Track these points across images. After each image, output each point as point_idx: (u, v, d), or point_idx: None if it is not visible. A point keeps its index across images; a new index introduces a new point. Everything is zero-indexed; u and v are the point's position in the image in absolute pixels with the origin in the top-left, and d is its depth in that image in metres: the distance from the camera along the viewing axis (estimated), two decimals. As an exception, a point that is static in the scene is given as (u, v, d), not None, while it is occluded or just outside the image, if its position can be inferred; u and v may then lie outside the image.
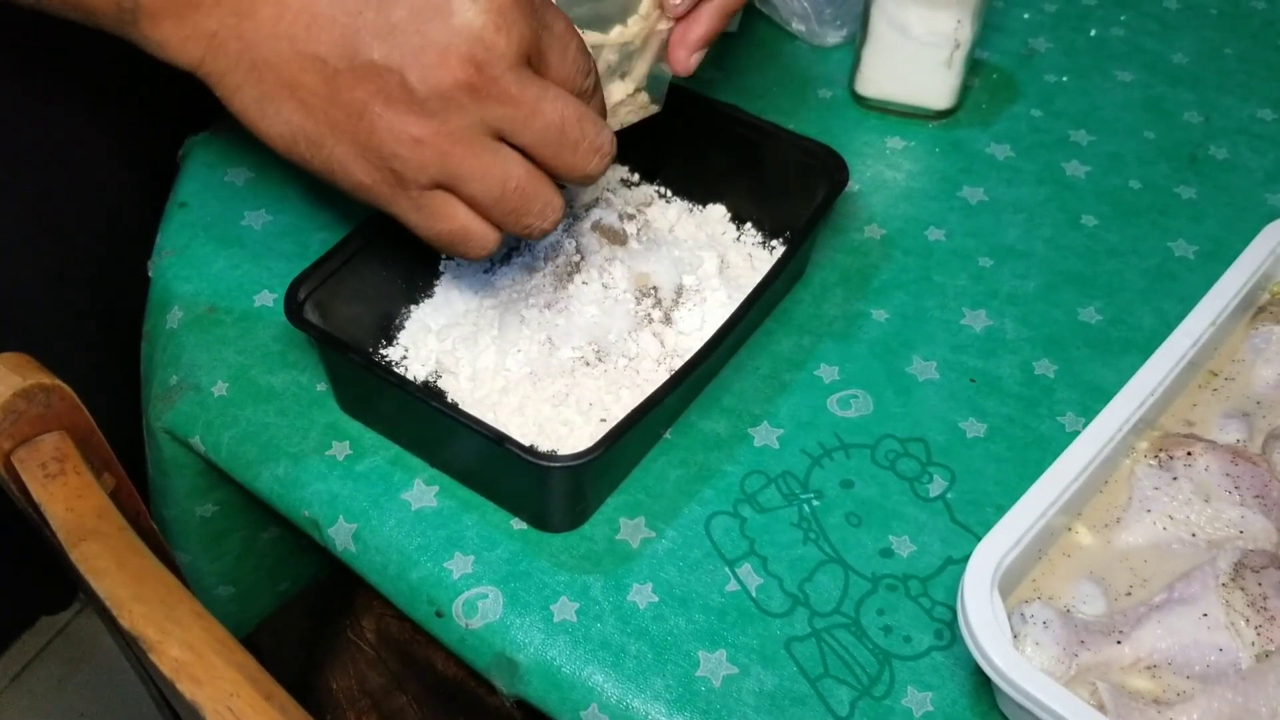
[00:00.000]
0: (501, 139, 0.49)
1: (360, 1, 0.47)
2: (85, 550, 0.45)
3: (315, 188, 0.71)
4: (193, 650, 0.40)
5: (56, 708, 1.33)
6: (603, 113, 0.54)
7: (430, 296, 0.64)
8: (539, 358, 0.59)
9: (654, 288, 0.61)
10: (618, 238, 0.62)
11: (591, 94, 0.52)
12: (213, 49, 0.50)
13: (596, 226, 0.62)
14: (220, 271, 0.67)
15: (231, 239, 0.68)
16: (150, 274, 0.68)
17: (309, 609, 0.80)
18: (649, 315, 0.60)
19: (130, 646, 0.43)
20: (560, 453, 0.57)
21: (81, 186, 0.77)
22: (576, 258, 0.61)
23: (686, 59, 0.59)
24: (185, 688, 0.39)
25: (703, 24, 0.58)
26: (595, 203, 0.65)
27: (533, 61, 0.48)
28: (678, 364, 0.59)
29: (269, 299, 0.66)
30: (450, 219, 0.50)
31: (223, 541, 0.72)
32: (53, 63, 0.72)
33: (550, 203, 0.51)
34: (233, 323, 0.64)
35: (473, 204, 0.50)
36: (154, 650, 0.40)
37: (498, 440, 0.51)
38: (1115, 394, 0.61)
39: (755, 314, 0.61)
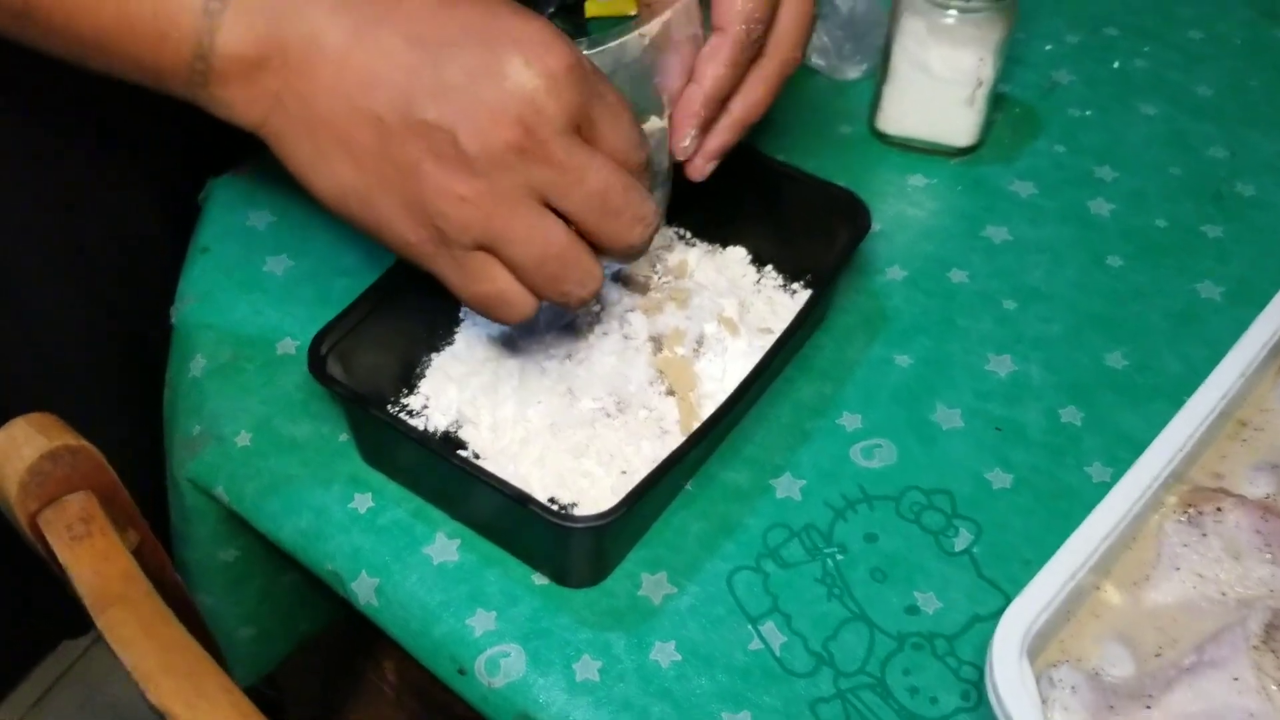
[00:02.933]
0: (547, 204, 0.49)
1: (418, 60, 0.48)
2: (112, 618, 0.45)
3: (337, 232, 0.71)
4: (218, 729, 0.40)
5: (79, 732, 1.33)
6: (650, 187, 0.54)
7: (451, 344, 0.64)
8: (560, 409, 0.59)
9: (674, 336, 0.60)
10: (639, 287, 0.62)
11: (641, 168, 0.52)
12: (275, 108, 0.51)
13: (618, 276, 0.62)
14: (243, 318, 0.67)
15: (253, 284, 0.68)
16: (173, 321, 0.68)
17: (330, 650, 0.80)
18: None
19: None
20: (581, 504, 0.57)
21: (108, 232, 0.77)
22: (597, 308, 0.61)
23: (702, 167, 0.60)
24: (211, 767, 0.39)
25: (720, 137, 0.59)
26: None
27: (583, 129, 0.49)
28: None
29: (291, 346, 0.66)
30: (490, 280, 0.51)
31: (244, 585, 0.72)
32: (74, 105, 0.72)
33: (590, 271, 0.51)
34: (255, 371, 0.64)
35: (513, 267, 0.50)
36: (179, 728, 0.40)
37: (521, 500, 0.51)
38: (1142, 442, 0.61)
39: (777, 363, 0.61)
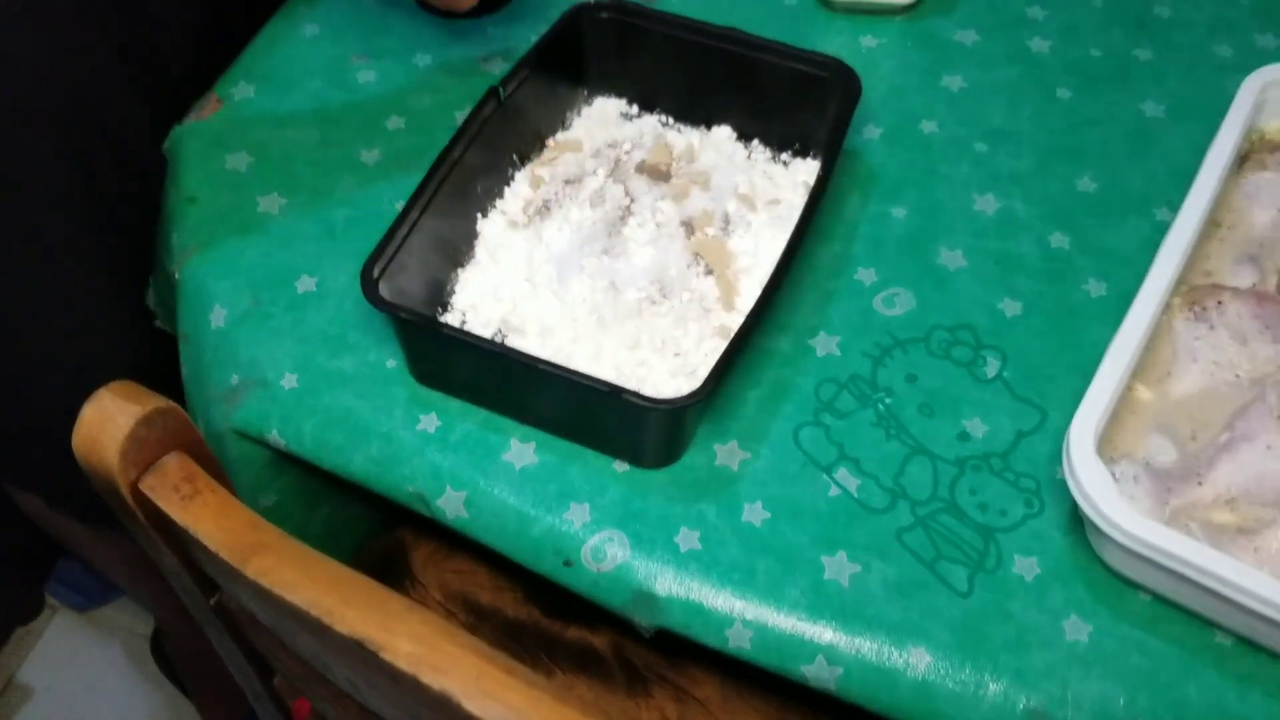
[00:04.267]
0: None
1: None
2: (261, 565, 0.46)
3: (323, 163, 0.70)
4: (424, 643, 0.41)
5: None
6: None
7: (473, 259, 0.65)
8: (605, 303, 0.61)
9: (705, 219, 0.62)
10: (662, 175, 0.63)
11: None
12: None
13: (642, 168, 0.63)
14: (253, 263, 0.66)
15: (253, 227, 0.67)
16: (177, 277, 0.66)
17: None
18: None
19: (343, 650, 0.44)
20: (643, 391, 0.59)
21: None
22: (627, 201, 0.63)
23: None
24: (429, 678, 0.40)
25: None
26: (625, 144, 0.66)
27: None
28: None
29: (310, 284, 0.65)
30: None
31: (281, 528, 0.72)
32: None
33: None
34: (281, 313, 0.64)
35: None
36: (385, 649, 0.41)
37: (614, 392, 0.53)
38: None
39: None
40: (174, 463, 0.50)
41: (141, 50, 0.75)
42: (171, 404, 0.50)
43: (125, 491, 0.50)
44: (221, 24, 0.81)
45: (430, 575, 0.80)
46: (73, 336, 0.81)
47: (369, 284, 0.56)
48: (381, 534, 0.81)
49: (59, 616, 1.38)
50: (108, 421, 0.48)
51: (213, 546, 0.47)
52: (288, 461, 0.65)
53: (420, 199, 0.60)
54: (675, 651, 0.71)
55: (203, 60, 0.77)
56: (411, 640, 0.41)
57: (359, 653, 0.42)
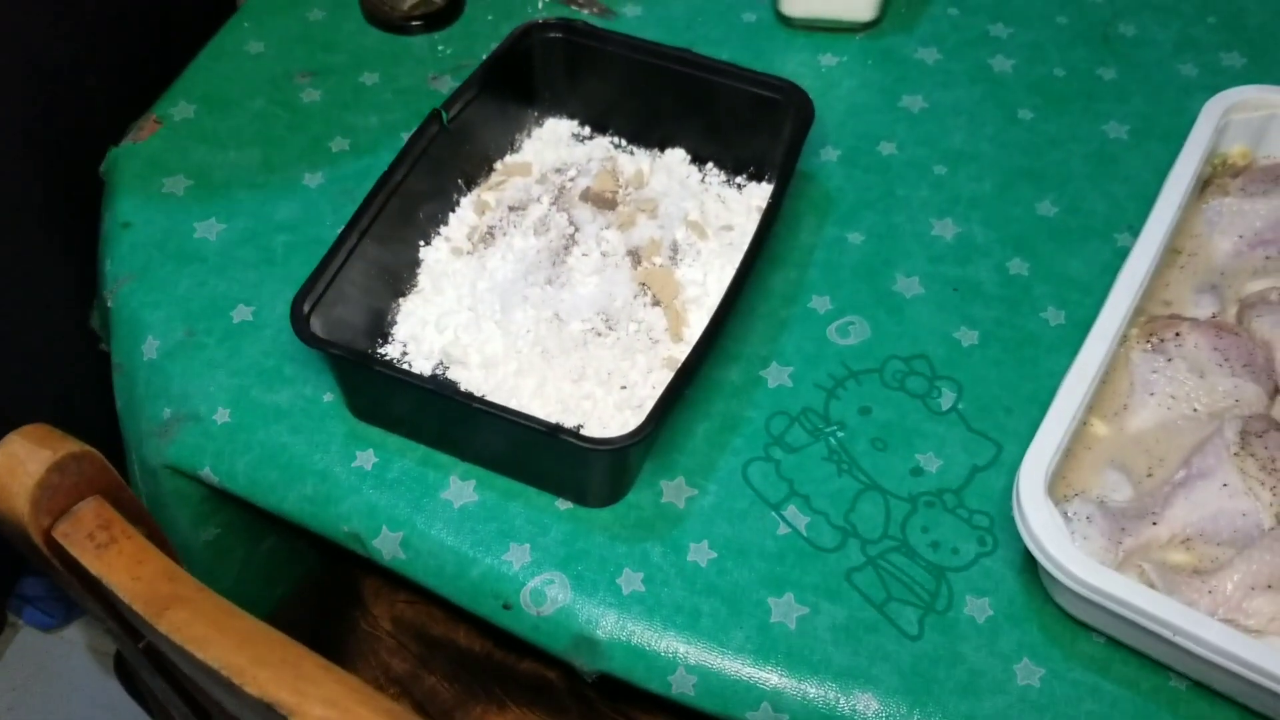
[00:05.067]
0: None
1: None
2: (174, 619, 0.44)
3: (264, 188, 0.68)
4: (337, 706, 0.39)
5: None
6: None
7: (416, 288, 0.63)
8: (549, 335, 0.59)
9: (651, 248, 0.61)
10: (607, 203, 0.61)
11: None
12: None
13: (586, 196, 0.61)
14: (188, 291, 0.64)
15: (190, 255, 0.65)
16: (109, 304, 0.64)
17: (313, 608, 0.79)
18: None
19: (251, 712, 0.42)
20: (588, 425, 0.58)
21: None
22: (571, 230, 0.61)
23: None
24: (341, 745, 0.39)
25: None
26: (570, 169, 0.64)
27: None
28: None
29: (247, 313, 0.63)
30: None
31: (224, 561, 0.70)
32: None
33: None
34: (215, 344, 0.62)
35: None
36: (295, 714, 0.39)
37: (551, 433, 0.51)
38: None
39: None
40: (89, 509, 0.48)
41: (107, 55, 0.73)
42: (87, 448, 0.48)
43: (38, 540, 0.48)
44: (193, 10, 0.79)
45: (381, 606, 0.79)
46: (27, 352, 0.79)
47: (299, 319, 0.54)
48: (331, 564, 0.80)
49: (22, 633, 1.36)
50: (17, 468, 0.46)
51: (126, 598, 0.45)
52: (227, 495, 0.63)
53: (357, 225, 0.58)
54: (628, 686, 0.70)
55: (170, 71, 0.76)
56: (324, 704, 0.40)
57: (269, 715, 0.40)
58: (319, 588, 0.80)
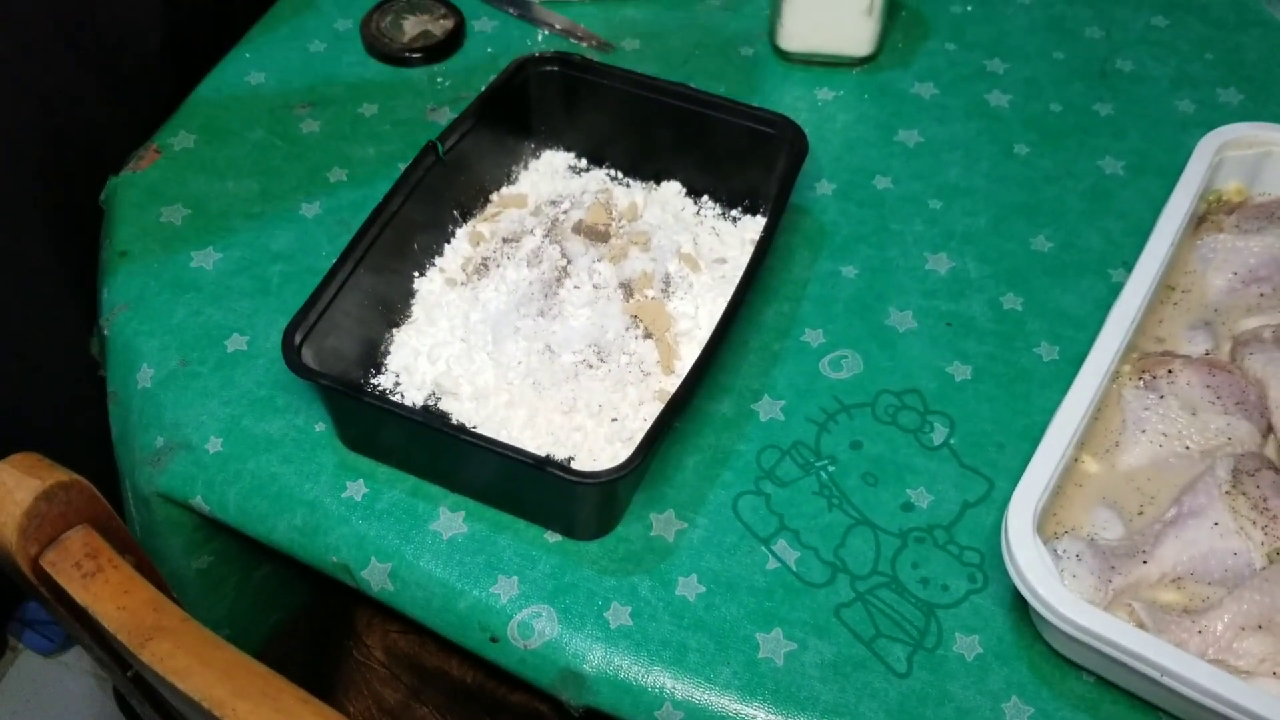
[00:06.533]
0: None
1: None
2: (157, 650, 0.44)
3: (260, 218, 0.69)
4: (315, 740, 0.39)
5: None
6: None
7: (410, 319, 0.63)
8: (540, 367, 0.59)
9: (644, 281, 0.61)
10: (600, 236, 0.62)
11: None
12: None
13: (579, 229, 0.62)
14: (184, 321, 0.64)
15: (186, 284, 0.66)
16: (105, 332, 0.65)
17: (306, 637, 0.79)
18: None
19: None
20: (578, 457, 0.58)
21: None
22: (563, 262, 0.61)
23: None
24: (318, 779, 0.38)
25: None
26: (564, 201, 0.64)
27: None
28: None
29: (241, 343, 0.63)
30: None
31: (219, 589, 0.70)
32: None
33: None
34: (209, 373, 0.62)
35: None
36: (274, 747, 0.39)
37: (539, 465, 0.51)
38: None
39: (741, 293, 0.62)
40: (77, 538, 0.48)
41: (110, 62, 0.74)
42: (76, 477, 0.48)
43: (26, 569, 0.48)
44: (194, 38, 0.80)
45: (374, 636, 0.78)
46: (28, 378, 0.80)
47: (290, 349, 0.54)
48: (324, 594, 0.79)
49: (23, 657, 1.36)
50: (5, 496, 0.46)
51: (110, 627, 0.45)
52: (219, 524, 0.63)
53: (352, 255, 0.59)
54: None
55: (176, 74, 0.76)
56: (302, 738, 0.39)
57: (248, 749, 0.40)
58: (312, 617, 0.80)
